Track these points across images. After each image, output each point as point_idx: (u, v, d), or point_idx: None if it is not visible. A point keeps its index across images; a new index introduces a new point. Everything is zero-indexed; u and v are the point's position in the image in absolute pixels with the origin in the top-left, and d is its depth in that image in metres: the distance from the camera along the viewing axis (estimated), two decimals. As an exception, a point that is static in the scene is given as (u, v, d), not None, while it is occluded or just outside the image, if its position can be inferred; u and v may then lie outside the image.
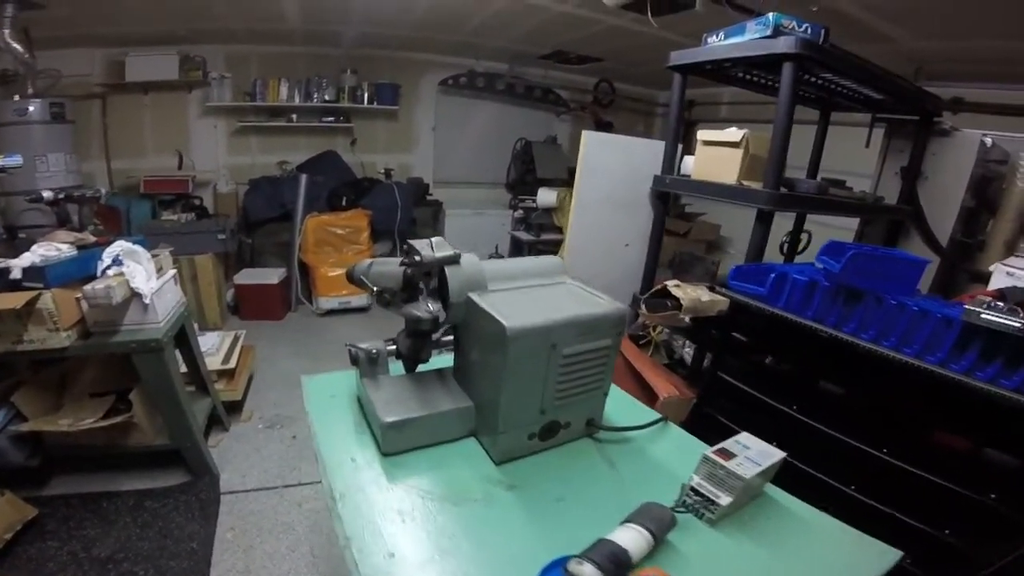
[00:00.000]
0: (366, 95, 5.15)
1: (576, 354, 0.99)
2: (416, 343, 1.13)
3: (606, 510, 0.90)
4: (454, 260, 1.03)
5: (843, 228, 3.08)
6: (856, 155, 3.05)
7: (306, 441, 2.60)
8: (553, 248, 4.84)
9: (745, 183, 1.86)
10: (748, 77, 2.19)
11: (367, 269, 1.06)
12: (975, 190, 2.52)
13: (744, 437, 1.00)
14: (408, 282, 1.09)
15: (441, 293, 1.07)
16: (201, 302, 4.03)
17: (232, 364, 2.85)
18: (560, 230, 4.89)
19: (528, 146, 5.96)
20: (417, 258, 1.00)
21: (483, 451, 1.03)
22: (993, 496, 1.20)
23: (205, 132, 4.92)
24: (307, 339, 4.08)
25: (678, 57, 2.01)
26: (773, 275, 1.56)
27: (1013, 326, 1.17)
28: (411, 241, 1.05)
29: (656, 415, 1.23)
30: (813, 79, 2.13)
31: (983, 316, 1.21)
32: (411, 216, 5.11)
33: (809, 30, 1.63)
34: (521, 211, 5.05)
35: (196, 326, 2.59)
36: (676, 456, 1.11)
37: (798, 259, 3.08)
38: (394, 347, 1.16)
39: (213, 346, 2.90)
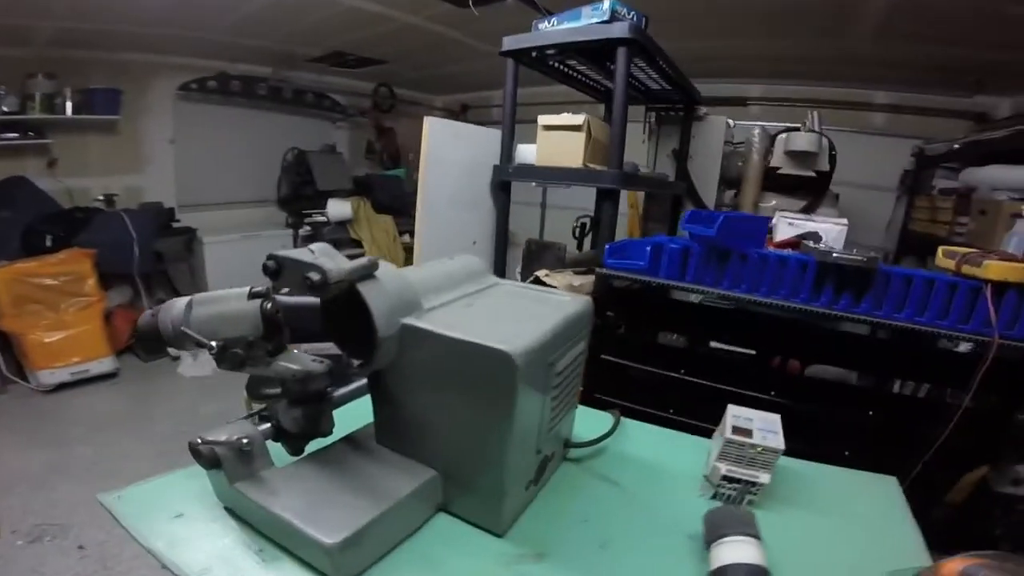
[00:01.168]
0: (70, 104, 3.89)
1: (566, 368, 0.79)
2: (310, 412, 0.77)
3: (657, 535, 0.76)
4: (369, 272, 0.71)
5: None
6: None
7: (106, 548, 1.96)
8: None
9: (590, 165, 1.89)
10: (561, 67, 2.24)
11: (184, 316, 0.68)
12: (723, 164, 3.08)
13: (736, 409, 0.93)
14: (271, 324, 0.69)
15: (339, 327, 0.73)
16: None
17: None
18: (359, 243, 4.49)
19: (302, 156, 5.32)
20: (316, 277, 0.64)
21: (466, 525, 0.75)
22: (871, 412, 1.42)
23: None
24: (37, 425, 2.95)
25: (512, 42, 1.93)
26: (649, 248, 1.59)
27: (858, 260, 1.38)
28: (282, 254, 0.71)
29: (607, 415, 1.11)
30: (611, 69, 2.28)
31: (834, 256, 1.40)
32: (153, 250, 4.07)
33: (635, 17, 1.71)
34: (308, 228, 4.46)
35: None
36: (657, 450, 1.01)
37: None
38: (268, 426, 0.78)
39: None
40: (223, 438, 0.71)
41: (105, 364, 3.49)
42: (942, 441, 1.28)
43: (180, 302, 0.70)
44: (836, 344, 1.52)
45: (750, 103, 4.87)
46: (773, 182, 2.99)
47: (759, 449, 0.82)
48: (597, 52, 1.88)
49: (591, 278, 1.84)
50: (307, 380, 0.73)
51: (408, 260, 4.92)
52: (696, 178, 3.04)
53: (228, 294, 0.70)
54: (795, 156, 2.80)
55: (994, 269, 1.29)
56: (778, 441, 0.83)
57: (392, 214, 5.10)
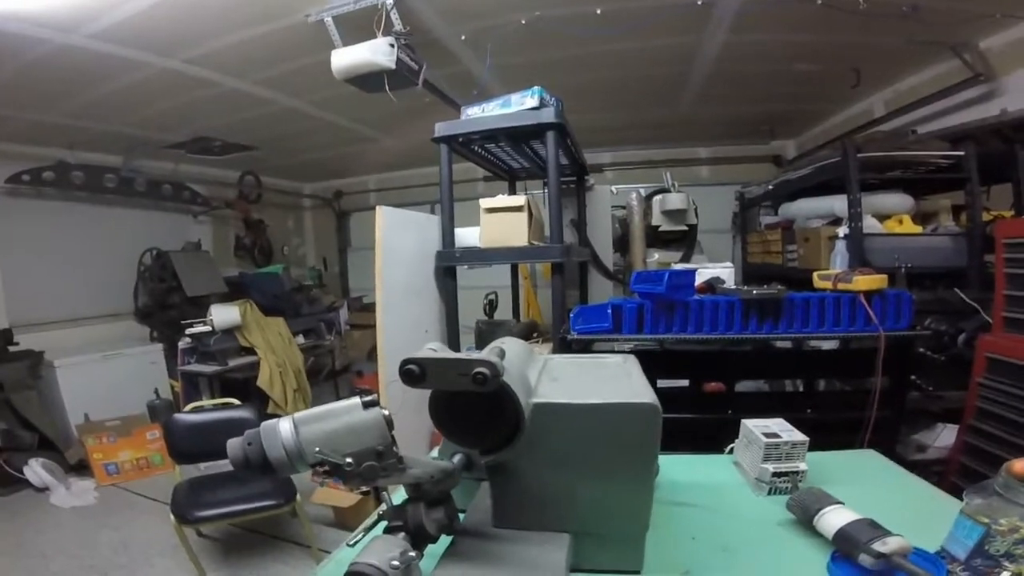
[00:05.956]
0: None
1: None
2: (449, 510, 0.74)
3: (757, 530, 0.90)
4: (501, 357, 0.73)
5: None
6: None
7: None
8: (251, 374, 4.02)
9: (534, 242, 2.08)
10: (479, 149, 2.44)
11: (293, 438, 0.62)
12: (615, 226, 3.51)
13: (751, 422, 1.12)
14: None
15: (457, 421, 0.75)
16: None
17: None
18: (252, 350, 4.12)
19: (164, 258, 4.80)
20: (487, 372, 0.65)
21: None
22: (809, 411, 1.74)
23: None
24: None
25: (444, 128, 2.08)
26: (610, 310, 1.81)
27: (772, 293, 1.73)
28: (424, 355, 0.69)
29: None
30: (506, 151, 2.54)
31: (755, 292, 1.74)
32: None
33: (556, 102, 1.99)
34: (188, 339, 4.00)
35: None
36: (692, 472, 1.15)
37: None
38: (403, 535, 0.70)
39: None
40: (375, 560, 0.60)
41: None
42: (871, 420, 1.61)
43: (280, 425, 0.64)
44: (764, 362, 1.85)
45: (605, 169, 5.60)
46: (653, 239, 3.47)
47: (791, 444, 1.01)
48: (521, 135, 2.12)
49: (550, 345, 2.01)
50: (445, 479, 0.72)
51: (305, 363, 4.63)
52: (594, 243, 3.41)
53: (338, 408, 0.67)
54: (670, 214, 3.32)
55: (862, 282, 1.72)
56: (799, 435, 1.04)
57: (277, 315, 4.73)
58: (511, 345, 0.98)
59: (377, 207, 2.05)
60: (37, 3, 2.13)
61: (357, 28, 2.27)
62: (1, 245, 4.02)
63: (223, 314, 3.92)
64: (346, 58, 2.22)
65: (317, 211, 6.75)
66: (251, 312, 4.26)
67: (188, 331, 3.87)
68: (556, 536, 0.79)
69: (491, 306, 3.52)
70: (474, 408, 0.73)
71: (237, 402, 2.82)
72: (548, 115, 1.91)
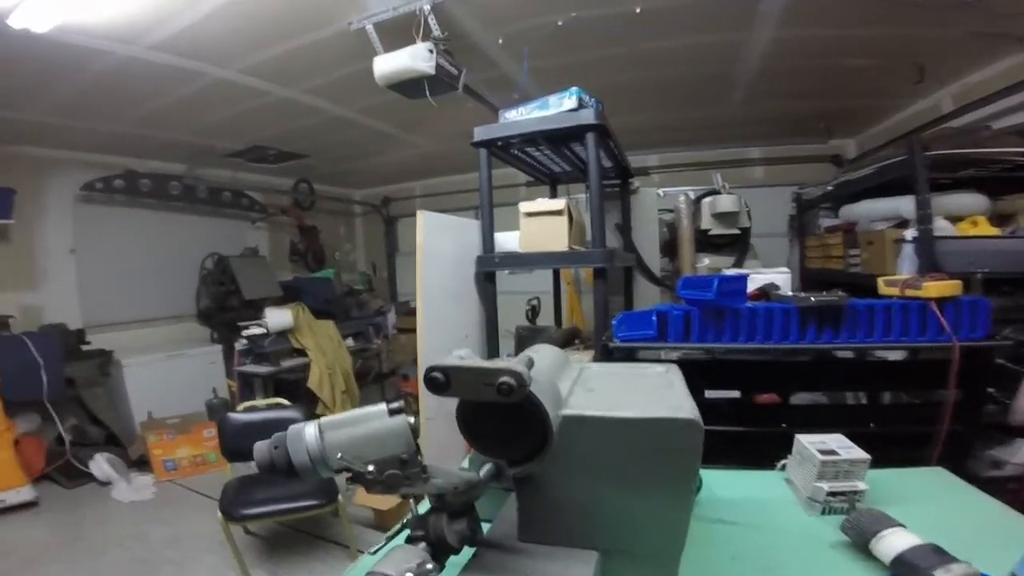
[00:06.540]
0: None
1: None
2: (472, 522, 0.72)
3: (805, 552, 0.84)
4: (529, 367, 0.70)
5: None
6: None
7: None
8: (303, 375, 4.15)
9: (575, 247, 2.03)
10: (519, 153, 2.42)
11: (319, 442, 0.63)
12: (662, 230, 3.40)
13: (805, 438, 1.04)
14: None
15: (482, 431, 0.73)
16: None
17: None
18: (303, 352, 4.26)
19: (223, 263, 5.05)
20: (512, 382, 0.62)
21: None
22: (872, 424, 1.61)
23: None
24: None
25: (484, 132, 2.07)
26: (655, 317, 1.73)
27: (833, 300, 1.61)
28: (450, 363, 0.67)
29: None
30: (546, 155, 2.50)
31: (813, 299, 1.63)
32: (62, 376, 3.66)
33: (595, 103, 1.94)
34: (245, 341, 4.18)
35: None
36: (735, 488, 1.08)
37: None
38: (424, 546, 0.68)
39: None
40: (391, 570, 0.59)
41: (23, 493, 3.21)
42: (943, 436, 1.48)
43: (305, 429, 0.64)
44: (822, 373, 1.73)
45: (652, 172, 5.46)
46: (704, 243, 3.34)
47: (849, 462, 0.93)
48: (560, 137, 2.08)
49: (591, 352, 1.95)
50: (468, 491, 0.69)
51: (353, 365, 4.74)
52: (639, 248, 3.32)
53: (364, 414, 0.67)
54: (721, 217, 3.18)
55: (933, 288, 1.57)
56: (860, 452, 0.95)
57: (327, 318, 4.86)
58: (543, 352, 0.95)
59: (418, 211, 2.06)
60: (98, 16, 2.25)
61: (397, 35, 2.30)
62: (77, 248, 4.32)
63: (277, 317, 4.07)
64: (387, 65, 2.26)
65: (367, 217, 6.93)
66: (303, 315, 4.40)
67: (244, 332, 4.04)
68: (583, 553, 0.75)
69: (533, 312, 3.48)
70: (501, 418, 0.70)
71: (287, 402, 2.91)
72: (587, 116, 1.87)
